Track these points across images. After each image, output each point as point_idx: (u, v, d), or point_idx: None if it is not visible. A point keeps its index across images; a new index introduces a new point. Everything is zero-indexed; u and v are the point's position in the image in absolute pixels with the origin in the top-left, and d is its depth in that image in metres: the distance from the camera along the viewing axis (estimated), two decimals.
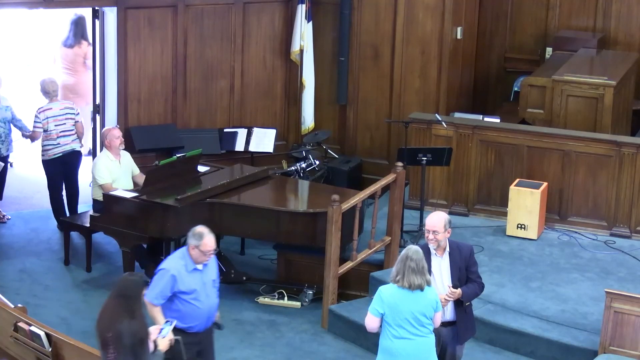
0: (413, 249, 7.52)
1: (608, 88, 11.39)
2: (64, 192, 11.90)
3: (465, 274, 7.94)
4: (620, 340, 8.59)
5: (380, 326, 7.55)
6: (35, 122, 11.59)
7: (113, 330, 6.91)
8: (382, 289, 7.53)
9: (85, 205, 12.10)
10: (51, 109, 11.60)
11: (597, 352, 8.71)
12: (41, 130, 11.55)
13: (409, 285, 7.40)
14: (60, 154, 11.63)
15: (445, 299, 7.79)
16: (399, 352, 7.46)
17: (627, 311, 8.55)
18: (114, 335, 6.91)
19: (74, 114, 11.69)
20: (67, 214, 11.80)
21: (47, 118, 11.53)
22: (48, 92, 11.65)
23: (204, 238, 7.74)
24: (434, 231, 7.84)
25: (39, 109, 11.61)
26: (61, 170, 11.72)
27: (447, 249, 7.93)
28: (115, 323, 6.91)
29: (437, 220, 7.88)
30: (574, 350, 9.02)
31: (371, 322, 7.52)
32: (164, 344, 7.20)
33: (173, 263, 7.80)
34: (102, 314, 7.04)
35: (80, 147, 11.83)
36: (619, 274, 10.22)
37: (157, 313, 7.80)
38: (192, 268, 7.77)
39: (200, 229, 7.80)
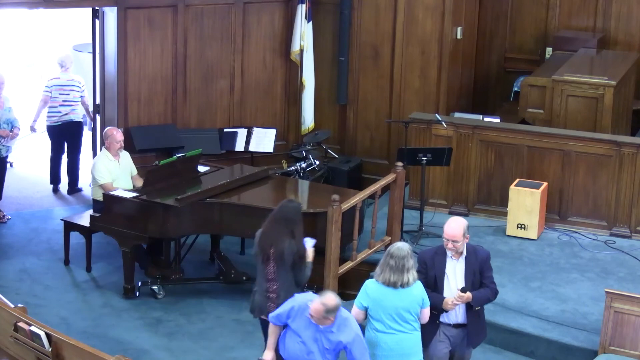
0: (396, 247, 7.61)
1: (608, 88, 11.39)
2: (63, 162, 12.94)
3: (479, 278, 7.89)
4: (620, 340, 8.59)
5: (366, 318, 7.67)
6: (45, 88, 12.73)
7: (276, 248, 8.18)
8: (367, 283, 7.66)
9: (85, 205, 12.11)
10: (59, 78, 12.76)
11: (597, 352, 8.71)
12: (49, 95, 12.64)
13: (384, 282, 7.53)
14: (60, 123, 12.68)
15: (453, 303, 7.78)
16: (381, 345, 7.57)
17: (627, 311, 8.55)
18: (276, 252, 8.18)
19: (79, 87, 12.79)
20: (61, 180, 12.95)
21: (53, 86, 12.67)
22: (65, 63, 12.78)
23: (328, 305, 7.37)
24: (453, 241, 7.76)
25: (49, 79, 12.81)
26: (64, 139, 12.79)
27: (464, 252, 7.87)
28: (278, 242, 8.17)
29: (456, 229, 7.76)
30: (574, 350, 9.02)
31: (355, 315, 7.63)
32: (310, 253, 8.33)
33: (302, 300, 7.50)
34: (265, 234, 8.26)
35: (82, 118, 12.94)
36: (619, 274, 10.22)
37: (272, 333, 7.66)
38: (308, 318, 7.42)
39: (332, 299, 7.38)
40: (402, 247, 7.60)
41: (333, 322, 7.34)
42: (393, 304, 7.53)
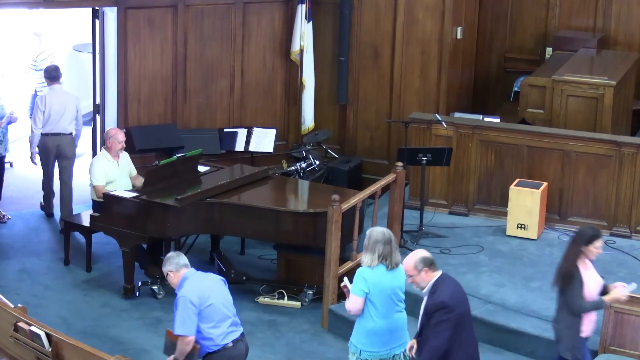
0: (379, 232, 7.75)
1: (608, 88, 11.39)
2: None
3: (427, 323, 7.30)
4: (620, 340, 8.59)
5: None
6: (32, 63, 13.76)
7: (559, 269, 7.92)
8: (363, 270, 7.73)
9: (85, 205, 12.11)
10: (45, 50, 13.99)
11: (597, 352, 8.71)
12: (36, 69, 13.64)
13: (396, 264, 7.70)
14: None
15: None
16: (383, 330, 7.66)
17: (627, 311, 8.54)
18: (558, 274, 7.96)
19: (54, 53, 14.13)
20: None
21: (44, 59, 13.70)
22: (41, 34, 13.98)
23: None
24: (408, 275, 7.43)
25: (37, 54, 13.88)
26: None
27: (427, 289, 7.36)
28: (561, 262, 7.94)
29: (407, 262, 7.40)
30: None
31: (357, 304, 7.71)
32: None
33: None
34: None
35: None
36: (619, 274, 10.21)
37: None
38: None
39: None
40: (384, 230, 7.79)
41: (176, 284, 7.67)
42: (391, 284, 7.72)
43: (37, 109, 11.77)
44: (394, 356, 7.79)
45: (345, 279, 7.92)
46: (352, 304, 7.73)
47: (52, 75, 11.94)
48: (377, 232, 7.78)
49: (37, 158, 11.89)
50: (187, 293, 7.55)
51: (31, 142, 11.89)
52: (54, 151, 11.83)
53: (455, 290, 7.33)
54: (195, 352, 7.61)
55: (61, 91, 11.96)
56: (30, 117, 12.73)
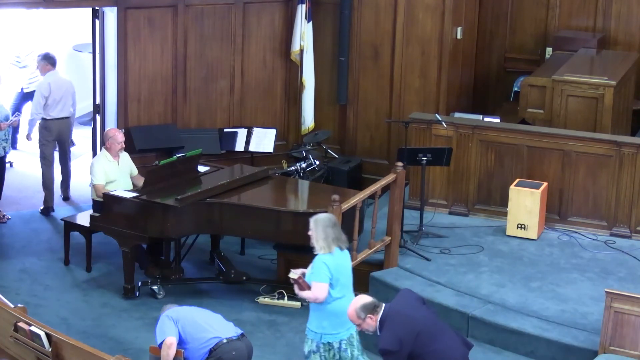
0: (326, 217, 8.03)
1: (608, 88, 11.39)
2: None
3: None
4: (620, 340, 8.59)
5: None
6: (17, 62, 14.09)
7: None
8: (322, 257, 7.89)
9: (85, 205, 12.12)
10: (33, 51, 13.92)
11: (597, 352, 8.71)
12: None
13: (345, 243, 8.00)
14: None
15: None
16: (342, 310, 7.63)
17: (627, 311, 8.54)
18: None
19: None
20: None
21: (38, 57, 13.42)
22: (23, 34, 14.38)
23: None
24: (355, 324, 7.30)
25: (26, 53, 14.00)
26: (27, 102, 13.73)
27: (378, 330, 7.17)
28: None
29: (349, 312, 7.23)
30: (574, 350, 9.02)
31: (324, 291, 7.86)
32: None
33: None
34: None
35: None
36: (619, 274, 10.21)
37: None
38: None
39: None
40: (327, 215, 8.10)
41: None
42: (346, 264, 8.01)
43: (39, 94, 12.13)
44: (351, 334, 7.95)
45: (293, 270, 8.00)
46: (320, 291, 7.84)
47: (53, 61, 12.36)
48: (322, 218, 8.00)
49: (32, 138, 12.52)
50: (164, 313, 8.09)
51: (30, 124, 12.48)
52: (56, 136, 12.23)
53: (401, 324, 6.99)
54: (180, 357, 7.78)
55: (59, 76, 12.42)
56: (12, 115, 12.73)
